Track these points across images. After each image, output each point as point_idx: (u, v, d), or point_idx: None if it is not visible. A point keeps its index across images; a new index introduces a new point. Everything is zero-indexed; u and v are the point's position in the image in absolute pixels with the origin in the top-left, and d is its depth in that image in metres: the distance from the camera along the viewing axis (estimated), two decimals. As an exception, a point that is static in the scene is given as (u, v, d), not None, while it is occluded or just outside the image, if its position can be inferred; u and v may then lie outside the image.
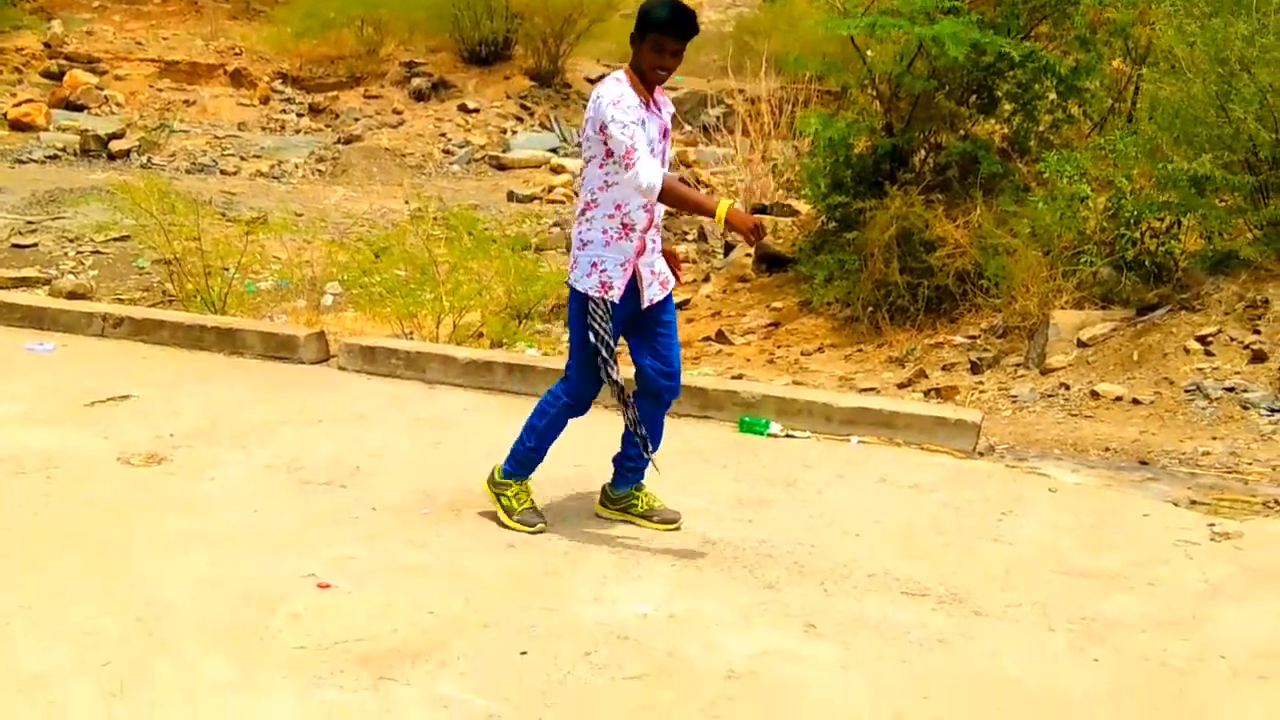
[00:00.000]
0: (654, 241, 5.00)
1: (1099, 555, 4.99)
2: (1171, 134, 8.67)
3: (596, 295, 4.88)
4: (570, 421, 5.17)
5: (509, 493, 5.19)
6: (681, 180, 4.82)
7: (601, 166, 4.82)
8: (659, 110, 4.90)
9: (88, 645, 3.92)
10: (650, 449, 5.09)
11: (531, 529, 5.09)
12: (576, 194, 20.02)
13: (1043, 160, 9.90)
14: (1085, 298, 8.85)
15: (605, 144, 4.72)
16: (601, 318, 4.88)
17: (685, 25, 4.73)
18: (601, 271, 4.88)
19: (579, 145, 27.16)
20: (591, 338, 4.90)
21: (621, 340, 5.12)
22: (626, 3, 33.61)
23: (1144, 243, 8.89)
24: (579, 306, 4.95)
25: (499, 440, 5.46)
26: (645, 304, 4.99)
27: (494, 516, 5.18)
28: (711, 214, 4.61)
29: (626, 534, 5.12)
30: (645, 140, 4.68)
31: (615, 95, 4.70)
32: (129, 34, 30.96)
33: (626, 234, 4.86)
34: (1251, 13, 8.52)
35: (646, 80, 4.79)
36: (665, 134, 4.93)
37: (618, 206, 4.84)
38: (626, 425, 5.10)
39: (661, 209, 4.95)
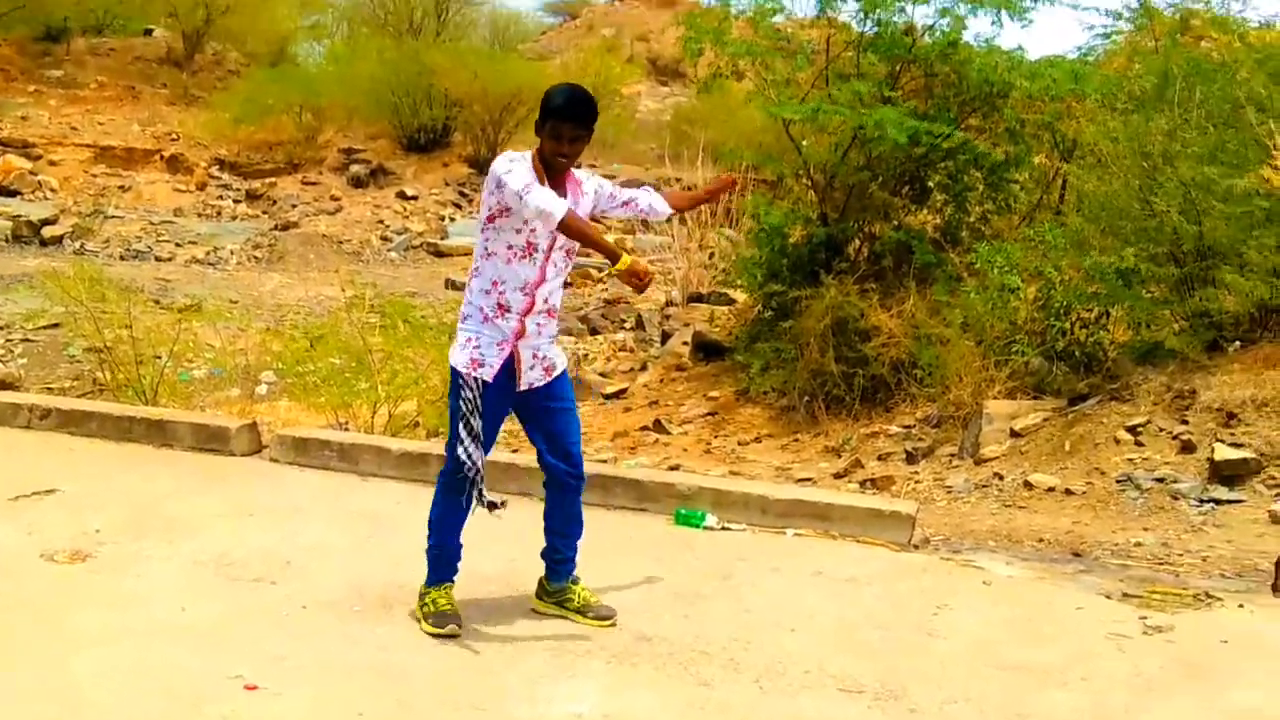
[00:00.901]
0: (539, 326, 4.94)
1: (1034, 649, 5.00)
2: (1098, 226, 8.86)
3: (465, 371, 4.85)
4: (511, 514, 5.12)
5: (426, 599, 5.09)
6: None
7: (483, 232, 4.84)
8: (567, 196, 4.86)
9: (4, 753, 3.82)
10: (492, 504, 4.98)
11: (441, 630, 4.95)
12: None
13: (974, 251, 10.07)
14: (1018, 387, 8.96)
15: (491, 207, 4.76)
16: (471, 395, 4.84)
17: (582, 111, 4.76)
18: (474, 348, 4.86)
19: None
20: (459, 417, 4.86)
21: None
22: (565, 92, 34.03)
23: (1074, 333, 9.04)
24: (454, 381, 4.91)
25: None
26: (523, 386, 4.97)
27: (426, 614, 5.13)
28: (612, 257, 4.59)
29: (560, 631, 5.07)
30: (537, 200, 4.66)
31: (507, 163, 4.74)
32: (64, 119, 30.84)
33: (502, 314, 4.85)
34: (1173, 107, 8.75)
35: (550, 168, 4.81)
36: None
37: (494, 283, 4.84)
38: (464, 518, 5.03)
39: (546, 295, 4.91)
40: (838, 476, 8.72)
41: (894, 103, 10.64)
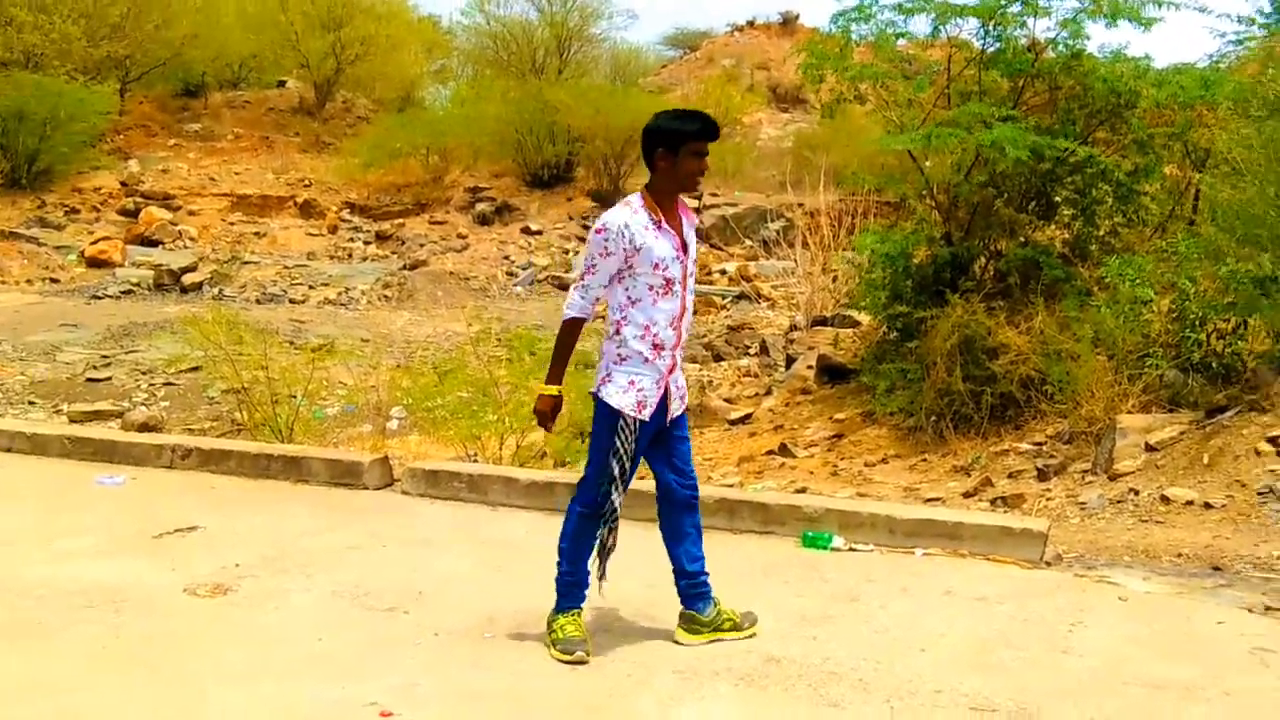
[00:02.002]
0: (679, 358, 5.10)
1: (1172, 666, 4.87)
2: (1233, 235, 8.62)
3: (630, 414, 4.93)
4: (640, 541, 5.18)
5: (555, 625, 5.12)
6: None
7: (620, 282, 4.93)
8: (680, 225, 4.99)
9: (150, 778, 3.93)
10: (602, 573, 5.12)
11: (569, 656, 4.97)
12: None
13: (1104, 265, 9.87)
14: (1152, 401, 8.76)
15: (612, 270, 4.90)
16: (628, 437, 4.94)
17: (715, 129, 4.98)
18: (639, 390, 4.94)
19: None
20: (614, 457, 4.95)
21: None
22: (685, 123, 34.15)
23: (1210, 344, 8.80)
24: (608, 421, 4.97)
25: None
26: (672, 417, 5.09)
27: (556, 641, 5.17)
28: (547, 381, 5.01)
29: (690, 654, 5.07)
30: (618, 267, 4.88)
31: (601, 223, 4.88)
32: (203, 170, 31.86)
33: (659, 353, 4.96)
34: (1308, 112, 8.52)
35: (685, 190, 4.97)
36: (685, 248, 5.00)
37: (646, 327, 4.93)
38: (595, 544, 5.10)
39: (686, 325, 5.07)
40: (967, 495, 8.61)
41: (1015, 119, 10.50)
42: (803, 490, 8.98)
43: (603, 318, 5.16)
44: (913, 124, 11.19)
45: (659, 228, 4.89)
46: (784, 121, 39.34)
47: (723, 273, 24.79)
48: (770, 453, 10.79)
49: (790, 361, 13.86)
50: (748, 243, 25.34)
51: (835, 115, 13.03)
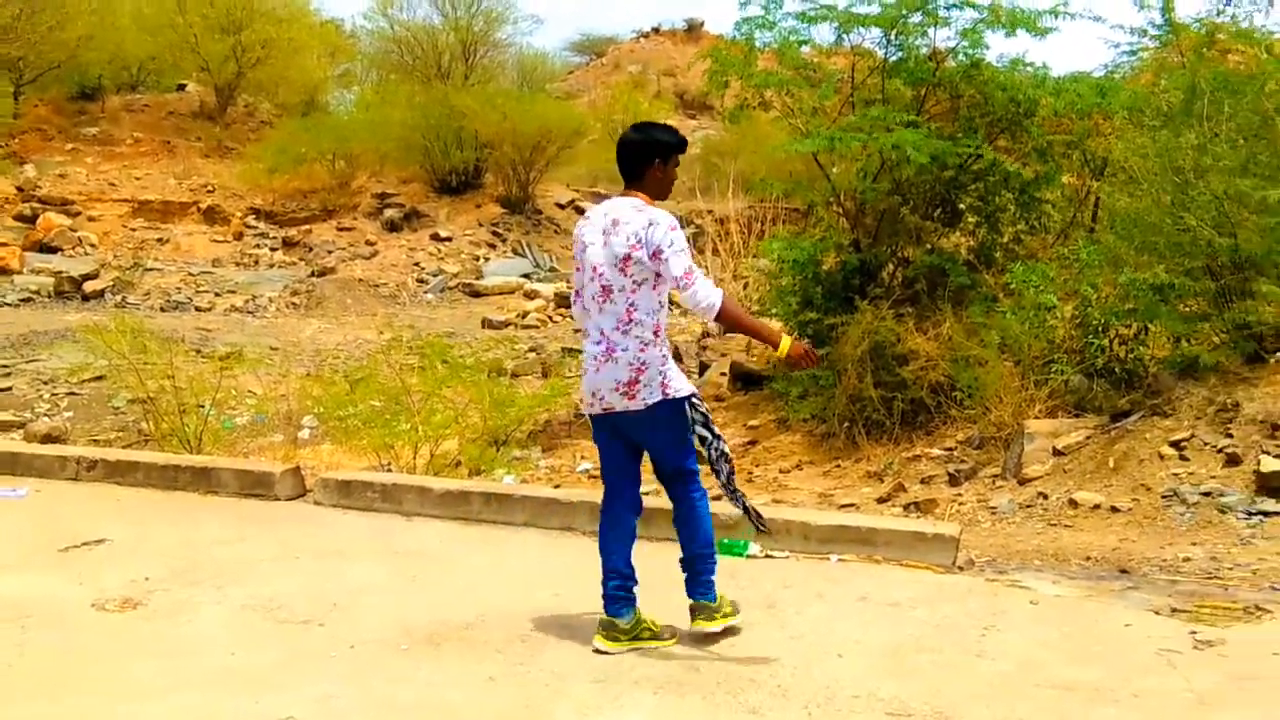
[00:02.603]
0: None
1: (1083, 668, 4.97)
2: (1131, 243, 8.80)
3: (696, 391, 5.30)
4: (554, 550, 5.20)
5: (723, 602, 5.37)
6: None
7: (655, 287, 5.12)
8: None
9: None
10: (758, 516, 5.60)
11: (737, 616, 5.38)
12: (549, 319, 20.12)
13: (1009, 271, 10.04)
14: (1058, 406, 8.92)
15: (658, 269, 5.03)
16: (701, 406, 5.29)
17: (682, 141, 5.37)
18: (686, 374, 5.34)
19: (551, 270, 27.42)
20: (706, 431, 5.29)
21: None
22: (594, 129, 34.25)
23: (1113, 350, 9.00)
24: (682, 415, 5.21)
25: (477, 570, 5.41)
26: None
27: (473, 649, 5.14)
28: (772, 343, 5.11)
29: (606, 662, 5.07)
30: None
31: (671, 221, 5.10)
32: (102, 175, 31.28)
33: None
34: (1202, 122, 8.72)
35: (666, 197, 5.32)
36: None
37: (662, 327, 5.22)
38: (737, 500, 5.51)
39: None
40: (881, 501, 8.69)
41: (918, 125, 10.64)
42: (719, 498, 9.00)
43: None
44: (818, 130, 11.29)
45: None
46: (692, 128, 39.53)
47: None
48: (684, 460, 10.80)
49: (704, 368, 13.93)
50: (658, 249, 25.43)
51: (741, 122, 13.08)
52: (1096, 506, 7.47)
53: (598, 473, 10.53)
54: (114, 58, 35.91)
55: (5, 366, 16.18)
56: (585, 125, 33.44)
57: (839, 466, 9.95)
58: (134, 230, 28.91)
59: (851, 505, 8.61)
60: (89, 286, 23.37)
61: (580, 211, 27.21)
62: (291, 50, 37.93)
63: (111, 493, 8.07)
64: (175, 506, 7.76)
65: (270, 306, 23.29)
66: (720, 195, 18.91)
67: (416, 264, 27.42)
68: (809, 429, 10.69)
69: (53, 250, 26.46)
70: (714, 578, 5.37)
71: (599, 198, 28.50)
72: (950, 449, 9.35)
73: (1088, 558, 6.66)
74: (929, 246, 11.21)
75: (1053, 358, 9.12)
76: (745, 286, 15.54)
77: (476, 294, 25.27)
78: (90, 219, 28.75)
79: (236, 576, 6.26)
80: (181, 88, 38.98)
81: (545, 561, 5.20)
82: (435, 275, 26.49)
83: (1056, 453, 8.29)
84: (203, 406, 10.52)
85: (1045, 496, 7.82)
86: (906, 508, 8.35)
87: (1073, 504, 7.58)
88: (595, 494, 7.48)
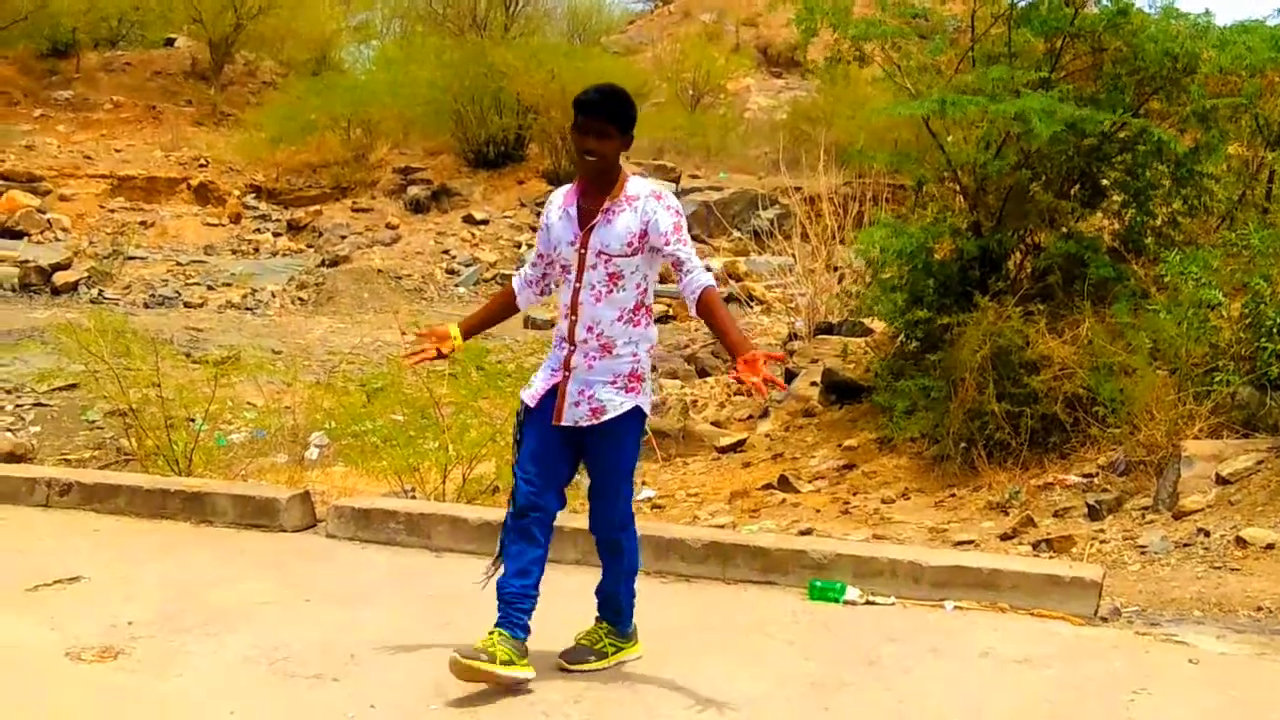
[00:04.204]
0: (577, 362, 5.41)
1: (1255, 741, 4.92)
2: (1317, 226, 8.71)
3: (522, 397, 5.59)
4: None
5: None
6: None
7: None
8: (587, 212, 5.38)
9: None
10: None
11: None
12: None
13: (1162, 261, 9.95)
14: (1223, 424, 8.83)
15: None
16: (518, 422, 5.63)
17: (598, 99, 5.29)
18: (537, 375, 5.60)
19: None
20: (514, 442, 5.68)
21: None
22: (659, 90, 34.31)
23: (1290, 356, 8.89)
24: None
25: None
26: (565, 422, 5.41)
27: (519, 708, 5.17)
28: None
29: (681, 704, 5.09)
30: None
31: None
32: (76, 146, 31.70)
33: (560, 343, 5.49)
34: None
35: (579, 171, 5.48)
36: (584, 239, 5.35)
37: (561, 308, 5.49)
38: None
39: (589, 327, 5.37)
40: (1004, 538, 8.65)
41: (1050, 85, 10.56)
42: (808, 531, 9.01)
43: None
44: (928, 92, 11.22)
45: (563, 211, 5.44)
46: (777, 89, 39.53)
47: (707, 270, 24.84)
48: (768, 487, 10.82)
49: (790, 377, 13.91)
50: (736, 235, 25.39)
51: (836, 80, 13.08)
52: (1270, 546, 7.40)
53: (661, 500, 10.59)
54: (90, 7, 36.29)
55: (-39, 372, 16.45)
56: (648, 86, 33.51)
57: (954, 496, 9.91)
58: (113, 212, 29.29)
59: (969, 542, 8.58)
60: (60, 278, 23.70)
61: (644, 189, 27.23)
62: (299, -3, 38.20)
63: (88, 522, 8.16)
64: (163, 538, 7.84)
65: (273, 302, 23.52)
66: (810, 169, 18.88)
67: (446, 251, 27.58)
68: (917, 450, 10.66)
69: (17, 235, 26.84)
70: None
71: (663, 172, 28.57)
72: (1090, 475, 9.29)
73: (1259, 608, 6.59)
74: (1065, 231, 11.14)
75: (1216, 365, 9.03)
76: (841, 279, 15.50)
77: (516, 287, 25.37)
78: (62, 198, 29.15)
79: (235, 622, 6.31)
80: (170, 43, 39.40)
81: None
82: (468, 265, 26.63)
83: (1220, 480, 8.21)
84: (193, 420, 10.62)
85: (1206, 534, 7.74)
86: (1036, 546, 8.31)
87: (1240, 543, 7.50)
88: (662, 527, 7.54)
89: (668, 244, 5.30)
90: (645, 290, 5.41)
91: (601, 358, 5.36)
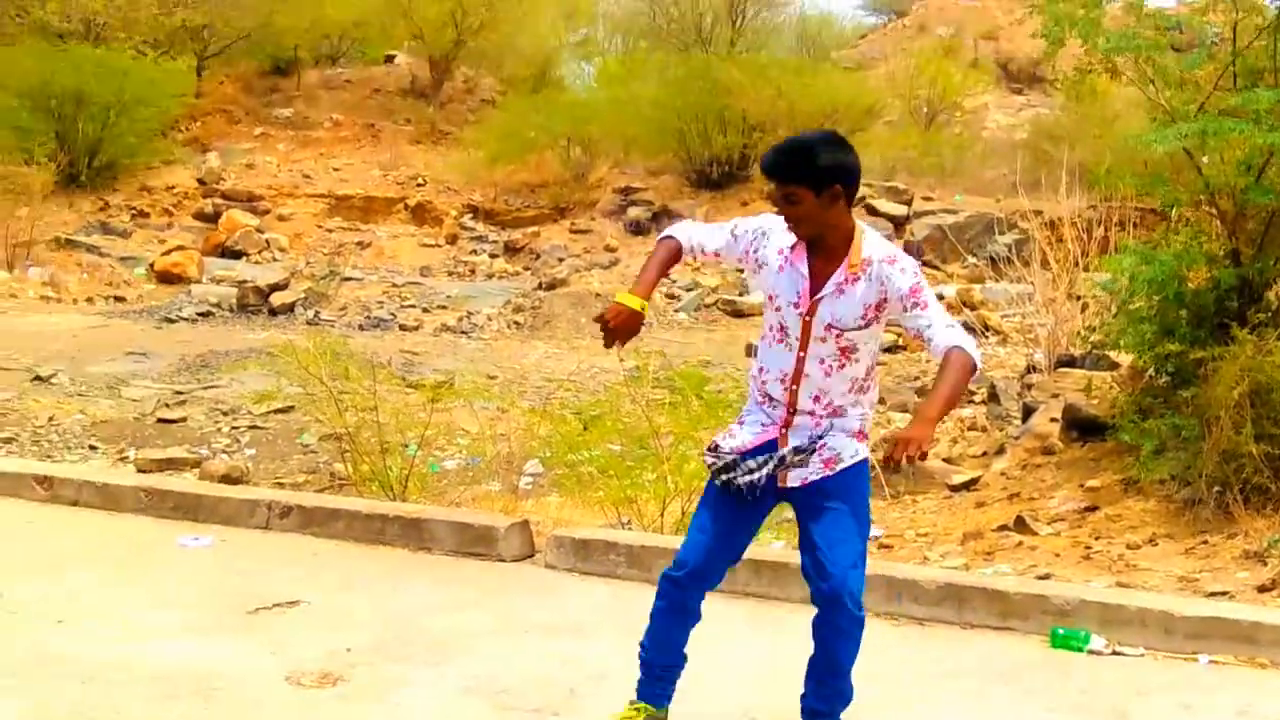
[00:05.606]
0: (800, 423, 5.21)
1: None
2: None
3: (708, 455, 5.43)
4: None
5: None
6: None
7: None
8: (817, 274, 5.10)
9: None
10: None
11: None
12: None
13: None
14: None
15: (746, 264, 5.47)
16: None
17: (774, 160, 5.01)
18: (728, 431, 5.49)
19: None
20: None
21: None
22: (892, 108, 34.15)
23: None
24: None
25: (743, 656, 5.44)
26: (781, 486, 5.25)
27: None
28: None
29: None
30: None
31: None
32: (295, 165, 32.65)
33: (768, 403, 5.31)
34: None
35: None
36: (811, 306, 5.13)
37: (761, 369, 5.35)
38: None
39: (815, 397, 5.18)
40: (1262, 590, 8.42)
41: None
42: (1047, 576, 8.87)
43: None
44: (1185, 111, 10.97)
45: (787, 260, 5.13)
46: (1017, 106, 39.09)
47: (940, 298, 24.63)
48: (1003, 528, 10.68)
49: (1028, 412, 13.70)
50: (971, 260, 25.14)
51: (1082, 96, 12.87)
52: None
53: (889, 540, 10.54)
54: (312, 24, 37.04)
55: (180, 394, 17.06)
56: (881, 103, 33.35)
57: (1206, 543, 9.67)
58: (330, 231, 30.12)
59: (1224, 593, 8.36)
60: (277, 299, 24.40)
61: (872, 211, 27.12)
62: (521, 13, 38.74)
63: (307, 545, 8.43)
64: (381, 564, 8.06)
65: (488, 326, 23.89)
66: (1052, 191, 18.60)
67: (666, 276, 27.76)
68: (1166, 494, 10.42)
69: (236, 255, 27.78)
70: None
71: (895, 194, 28.41)
72: (1361, 524, 9.00)
73: None
74: (1334, 258, 10.81)
75: None
76: (1084, 309, 15.24)
77: (740, 313, 25.38)
78: (280, 218, 30.08)
79: (453, 652, 6.46)
80: (390, 59, 40.32)
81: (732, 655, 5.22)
82: (689, 290, 26.73)
83: None
84: (407, 445, 10.85)
85: None
86: (1298, 598, 8.08)
87: None
88: (892, 567, 7.51)
89: (905, 311, 5.00)
90: (876, 353, 5.24)
91: (830, 418, 5.16)
